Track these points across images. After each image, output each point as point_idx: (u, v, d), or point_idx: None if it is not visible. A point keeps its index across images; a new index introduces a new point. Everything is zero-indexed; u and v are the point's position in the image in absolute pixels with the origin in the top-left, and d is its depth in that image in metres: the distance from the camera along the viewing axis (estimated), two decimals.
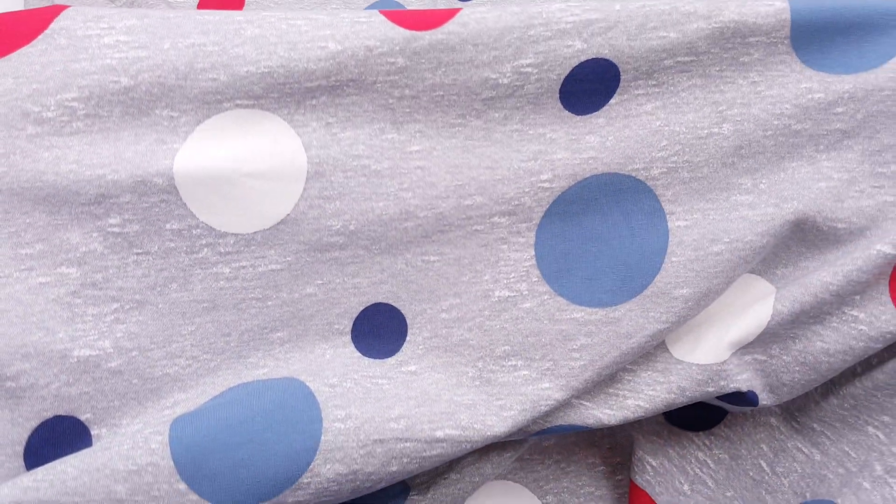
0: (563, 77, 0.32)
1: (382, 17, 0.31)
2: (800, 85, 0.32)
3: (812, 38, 0.32)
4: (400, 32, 0.30)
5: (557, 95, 0.32)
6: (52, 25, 0.30)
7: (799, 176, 0.33)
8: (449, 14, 0.31)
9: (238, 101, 0.30)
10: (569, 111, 0.33)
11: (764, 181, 0.33)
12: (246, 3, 0.55)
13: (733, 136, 0.32)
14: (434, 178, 0.32)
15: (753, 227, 0.32)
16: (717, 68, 0.33)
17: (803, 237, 0.33)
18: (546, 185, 0.33)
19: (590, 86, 0.32)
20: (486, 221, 0.33)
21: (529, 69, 0.31)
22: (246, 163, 0.30)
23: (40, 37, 0.30)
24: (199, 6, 0.55)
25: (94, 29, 0.30)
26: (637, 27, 0.31)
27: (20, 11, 0.31)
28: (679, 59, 0.32)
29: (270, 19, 0.31)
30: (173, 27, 0.30)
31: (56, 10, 0.31)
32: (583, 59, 0.31)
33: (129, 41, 0.30)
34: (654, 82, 0.33)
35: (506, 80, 0.32)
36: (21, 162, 0.29)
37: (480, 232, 0.33)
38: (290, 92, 0.31)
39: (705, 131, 0.32)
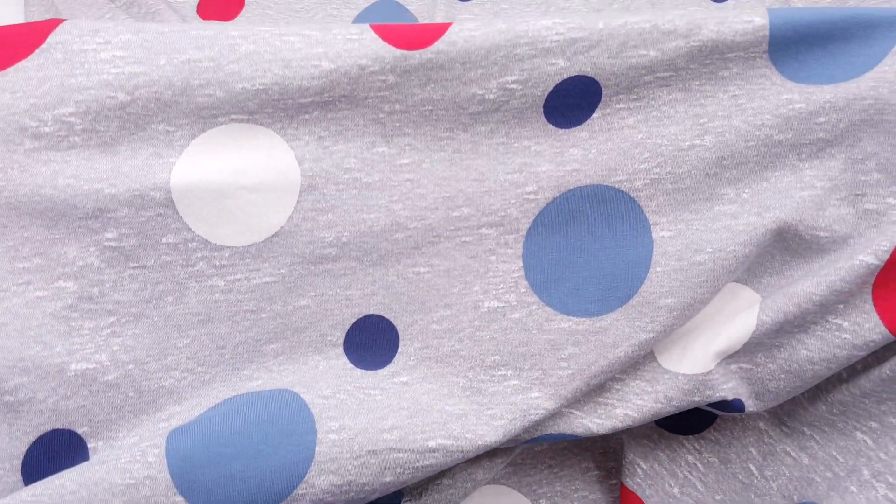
0: (546, 93, 0.33)
1: (374, 35, 0.31)
2: (780, 96, 0.33)
3: (791, 52, 0.33)
4: (391, 51, 0.31)
5: (542, 110, 0.33)
6: (49, 39, 0.30)
7: (781, 185, 0.33)
8: (439, 31, 0.32)
9: (233, 116, 0.31)
10: (553, 125, 0.34)
11: (747, 191, 0.33)
12: (246, 2, 0.56)
13: (715, 147, 0.33)
14: (423, 190, 0.33)
15: (736, 236, 0.32)
16: (698, 82, 0.33)
17: (787, 246, 0.34)
18: (531, 196, 0.33)
19: (573, 101, 0.33)
20: (475, 232, 0.33)
21: (514, 86, 0.32)
22: (241, 176, 0.31)
23: (37, 51, 0.30)
24: (199, 6, 0.56)
25: (90, 44, 0.30)
26: (618, 46, 0.32)
27: (17, 25, 0.32)
28: (659, 74, 0.33)
29: (264, 35, 0.31)
30: (169, 43, 0.31)
31: (52, 24, 0.31)
32: (566, 76, 0.32)
33: (126, 56, 0.30)
34: (634, 97, 0.33)
35: (492, 96, 0.32)
36: (19, 176, 0.29)
37: (469, 243, 0.33)
38: (283, 107, 0.31)
39: (687, 143, 0.33)
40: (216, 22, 0.33)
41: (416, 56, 0.31)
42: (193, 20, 0.55)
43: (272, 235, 0.32)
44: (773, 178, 0.33)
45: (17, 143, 0.29)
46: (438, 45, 0.32)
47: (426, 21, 0.55)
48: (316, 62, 0.31)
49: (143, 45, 0.30)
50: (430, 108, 0.33)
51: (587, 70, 0.32)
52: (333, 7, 0.56)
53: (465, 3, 0.56)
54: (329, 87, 0.31)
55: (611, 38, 0.32)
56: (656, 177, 0.33)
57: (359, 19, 0.55)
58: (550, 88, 0.33)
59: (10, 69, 0.30)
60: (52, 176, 0.29)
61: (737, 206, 0.33)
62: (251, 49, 0.31)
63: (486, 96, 0.32)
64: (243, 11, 0.55)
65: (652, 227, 0.33)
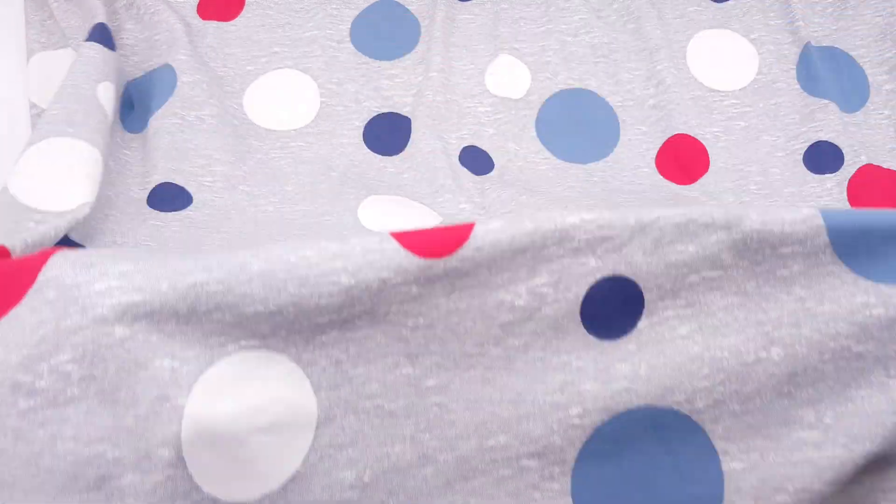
0: (581, 297, 0.30)
1: (396, 245, 0.29)
2: (854, 299, 0.30)
3: (858, 246, 0.30)
4: (414, 262, 0.29)
5: (579, 318, 0.31)
6: (40, 278, 0.28)
7: (870, 408, 0.29)
8: (462, 235, 0.30)
9: (243, 343, 0.28)
10: (594, 336, 0.31)
11: (829, 413, 0.29)
12: (246, 3, 0.56)
13: (784, 361, 0.29)
14: (453, 416, 0.30)
15: (821, 473, 0.28)
16: (754, 284, 0.30)
17: None
18: (576, 421, 0.30)
19: (613, 307, 0.30)
20: (514, 465, 0.30)
21: (545, 289, 0.30)
22: (255, 418, 0.28)
23: (29, 293, 0.28)
24: (199, 6, 0.55)
25: (83, 276, 0.28)
26: (653, 242, 0.30)
27: (7, 263, 0.30)
28: (704, 274, 0.30)
29: (277, 251, 0.29)
30: (171, 267, 0.28)
31: (43, 258, 0.29)
32: (598, 276, 0.30)
33: (122, 286, 0.28)
34: (684, 302, 0.30)
35: (521, 302, 0.30)
36: (13, 446, 0.27)
37: (508, 478, 0.30)
38: (298, 329, 0.29)
39: (752, 356, 0.29)
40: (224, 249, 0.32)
41: (440, 265, 0.30)
42: (193, 20, 0.55)
43: (287, 482, 0.29)
44: (857, 399, 0.30)
45: (10, 404, 0.27)
46: (463, 251, 0.30)
47: (426, 20, 0.56)
48: (335, 277, 0.28)
49: (142, 272, 0.28)
50: (456, 319, 0.30)
51: (621, 269, 0.30)
52: (333, 7, 0.56)
53: (465, 2, 0.56)
54: (348, 304, 0.29)
55: (643, 235, 0.30)
56: (720, 396, 0.29)
57: (359, 19, 0.55)
58: (584, 291, 0.30)
59: (3, 320, 0.28)
60: (51, 441, 0.27)
61: (819, 433, 0.29)
62: (263, 268, 0.29)
63: (516, 302, 0.30)
64: (244, 11, 0.56)
65: (721, 455, 0.29)
